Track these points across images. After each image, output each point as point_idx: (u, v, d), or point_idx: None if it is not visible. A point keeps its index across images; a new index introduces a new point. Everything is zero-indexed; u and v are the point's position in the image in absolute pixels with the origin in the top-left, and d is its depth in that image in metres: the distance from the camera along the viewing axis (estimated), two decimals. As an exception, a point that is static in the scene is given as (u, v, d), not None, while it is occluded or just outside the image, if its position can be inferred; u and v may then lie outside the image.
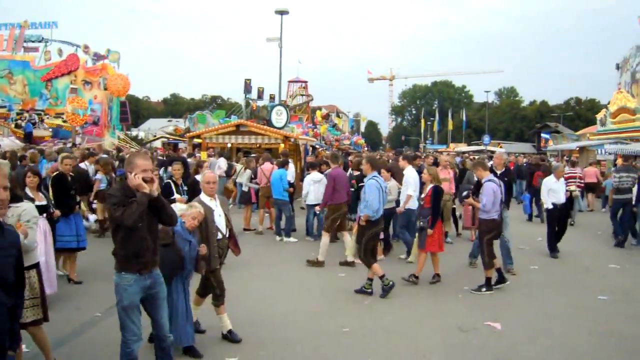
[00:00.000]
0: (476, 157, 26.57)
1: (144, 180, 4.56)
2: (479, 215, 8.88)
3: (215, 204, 6.25)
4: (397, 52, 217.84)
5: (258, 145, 22.33)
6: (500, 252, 9.74)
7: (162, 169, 15.19)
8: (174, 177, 9.81)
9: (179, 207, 9.14)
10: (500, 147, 54.00)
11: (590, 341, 6.62)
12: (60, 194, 8.66)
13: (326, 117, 43.49)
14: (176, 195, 9.41)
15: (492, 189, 8.62)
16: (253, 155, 19.40)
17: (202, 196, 6.26)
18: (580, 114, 79.86)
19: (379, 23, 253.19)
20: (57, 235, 8.18)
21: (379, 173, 8.96)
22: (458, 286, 8.89)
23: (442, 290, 8.74)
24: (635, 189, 12.97)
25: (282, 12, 31.57)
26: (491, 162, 11.15)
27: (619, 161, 18.42)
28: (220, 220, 6.24)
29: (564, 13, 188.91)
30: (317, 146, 32.60)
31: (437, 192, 9.09)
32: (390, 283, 8.25)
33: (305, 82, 52.54)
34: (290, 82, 52.58)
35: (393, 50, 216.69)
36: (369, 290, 8.37)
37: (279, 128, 23.58)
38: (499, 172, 10.01)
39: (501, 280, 8.85)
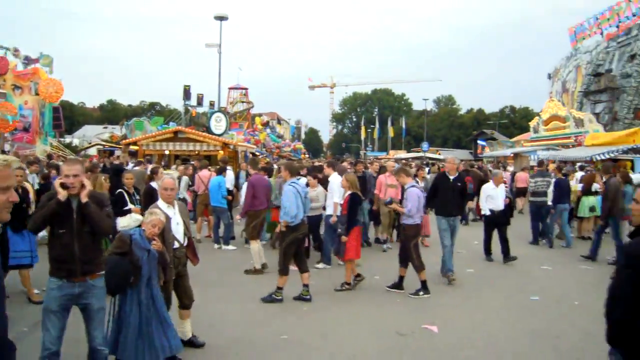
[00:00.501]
0: (414, 163, 26.96)
1: (64, 185, 4.41)
2: (403, 221, 8.95)
3: (173, 211, 6.04)
4: (338, 60, 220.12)
5: (197, 152, 22.01)
6: (444, 257, 9.87)
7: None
8: (126, 187, 9.49)
9: (135, 218, 8.90)
10: (439, 153, 55.14)
11: (525, 341, 6.75)
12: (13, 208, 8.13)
13: (266, 124, 43.36)
14: (130, 206, 9.16)
15: (416, 194, 8.76)
16: (191, 162, 19.08)
17: (160, 203, 6.03)
18: (515, 121, 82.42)
19: (322, 31, 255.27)
20: (12, 252, 7.75)
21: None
22: (397, 291, 8.93)
23: (381, 296, 8.77)
24: (550, 192, 13.87)
25: (221, 18, 31.29)
26: (444, 167, 11.19)
27: (551, 167, 19.08)
28: (177, 229, 6.04)
29: (500, 24, 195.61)
30: (258, 153, 32.43)
31: (354, 199, 9.06)
32: (280, 297, 8.25)
33: (246, 89, 52.28)
34: (230, 88, 52.24)
35: (335, 58, 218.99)
36: (307, 297, 8.35)
37: (218, 135, 23.33)
38: (452, 178, 9.95)
39: (397, 286, 8.97)
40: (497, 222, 11.84)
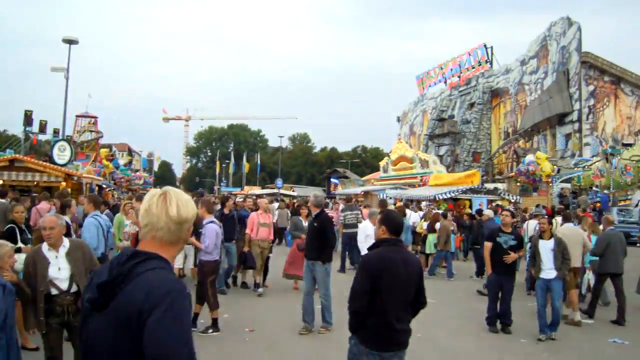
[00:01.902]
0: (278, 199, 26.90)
1: None
2: (201, 257, 8.69)
3: (55, 255, 5.21)
4: (195, 93, 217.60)
5: (36, 183, 20.26)
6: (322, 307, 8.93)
7: None
8: (17, 221, 8.18)
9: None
10: (293, 190, 55.77)
11: None
12: None
13: (111, 158, 40.97)
14: (20, 244, 7.72)
15: (214, 230, 8.58)
16: (35, 194, 17.46)
17: (44, 245, 5.24)
18: (366, 161, 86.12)
19: (179, 63, 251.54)
20: None
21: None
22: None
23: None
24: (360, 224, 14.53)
25: (70, 42, 29.51)
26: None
27: (398, 205, 19.84)
28: (59, 274, 5.17)
29: (354, 67, 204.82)
30: (105, 185, 30.72)
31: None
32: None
33: (95, 117, 49.78)
34: (78, 116, 49.39)
35: (191, 91, 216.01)
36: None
37: (61, 165, 21.76)
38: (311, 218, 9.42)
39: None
40: None
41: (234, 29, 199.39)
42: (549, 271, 8.73)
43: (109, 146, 50.14)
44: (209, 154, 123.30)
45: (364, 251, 10.95)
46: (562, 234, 9.71)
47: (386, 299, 4.14)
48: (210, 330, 8.38)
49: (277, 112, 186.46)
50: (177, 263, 11.40)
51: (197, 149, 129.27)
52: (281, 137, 78.80)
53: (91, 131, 47.95)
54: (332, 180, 61.75)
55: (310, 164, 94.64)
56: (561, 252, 8.77)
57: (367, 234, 10.97)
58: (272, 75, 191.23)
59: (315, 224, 8.98)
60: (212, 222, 8.82)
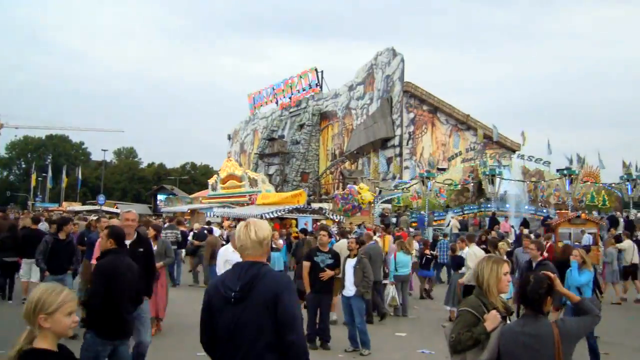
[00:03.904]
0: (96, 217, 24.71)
1: None
2: None
3: None
4: (9, 99, 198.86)
5: None
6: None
7: None
8: None
9: None
10: (116, 207, 52.56)
11: None
12: None
13: None
14: None
15: None
16: None
17: None
18: (196, 178, 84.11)
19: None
20: None
21: None
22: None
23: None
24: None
25: None
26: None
27: (225, 224, 19.08)
28: None
29: (185, 82, 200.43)
30: None
31: None
32: None
33: None
34: None
35: (3, 97, 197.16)
36: None
37: None
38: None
39: None
40: None
41: (55, 31, 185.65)
42: (350, 288, 9.07)
43: None
44: (24, 166, 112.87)
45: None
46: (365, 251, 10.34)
47: (115, 295, 5.26)
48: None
49: (101, 124, 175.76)
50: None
51: (9, 160, 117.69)
52: (105, 150, 74.25)
53: None
54: (158, 197, 59.40)
55: (136, 180, 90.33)
56: (362, 270, 9.06)
57: (226, 259, 9.12)
58: (97, 85, 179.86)
59: (140, 249, 7.03)
60: None
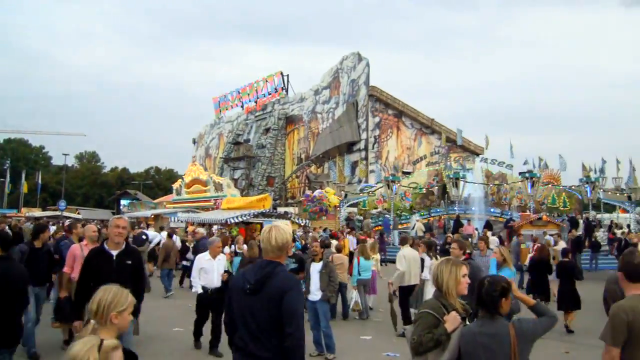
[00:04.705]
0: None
1: None
2: None
3: None
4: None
5: None
6: None
7: None
8: None
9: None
10: (78, 213, 51.63)
11: None
12: None
13: None
14: None
15: None
16: None
17: None
18: (160, 182, 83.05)
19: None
20: None
21: None
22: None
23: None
24: None
25: None
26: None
27: (190, 229, 18.86)
28: None
29: (150, 86, 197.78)
30: None
31: None
32: None
33: None
34: None
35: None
36: None
37: None
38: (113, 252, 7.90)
39: None
40: (211, 303, 9.16)
41: (13, 32, 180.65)
42: (315, 293, 9.04)
43: None
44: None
45: (197, 288, 9.30)
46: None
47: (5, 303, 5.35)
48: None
49: (62, 127, 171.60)
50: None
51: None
52: (66, 155, 72.80)
53: None
54: (122, 202, 58.53)
55: (98, 185, 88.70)
56: (328, 275, 9.10)
57: (201, 267, 9.26)
58: (58, 87, 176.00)
59: (129, 262, 6.40)
60: None
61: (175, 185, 43.30)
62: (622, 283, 4.02)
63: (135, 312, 5.52)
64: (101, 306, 3.22)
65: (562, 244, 17.61)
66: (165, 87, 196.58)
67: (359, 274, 12.32)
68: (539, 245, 14.39)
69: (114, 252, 6.02)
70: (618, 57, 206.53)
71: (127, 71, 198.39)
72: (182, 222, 27.47)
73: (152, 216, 36.40)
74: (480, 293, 3.76)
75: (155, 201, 51.75)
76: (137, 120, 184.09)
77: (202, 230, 19.34)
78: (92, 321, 3.30)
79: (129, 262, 6.11)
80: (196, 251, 14.24)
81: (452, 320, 3.83)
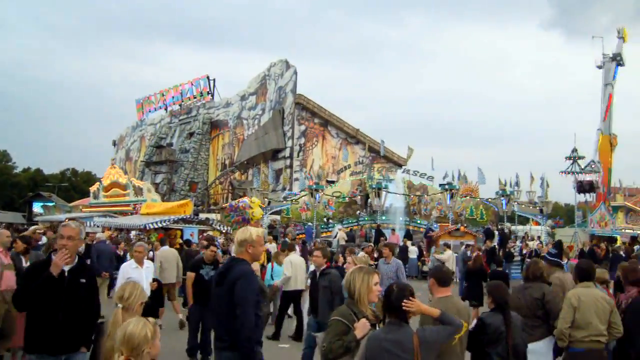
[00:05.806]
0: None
1: None
2: None
3: None
4: None
5: None
6: None
7: None
8: None
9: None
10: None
11: None
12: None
13: None
14: None
15: None
16: None
17: None
18: (77, 185, 79.91)
19: None
20: None
21: None
22: None
23: None
24: None
25: None
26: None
27: (107, 234, 18.19)
28: None
29: (68, 83, 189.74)
30: None
31: None
32: None
33: None
34: None
35: None
36: None
37: None
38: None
39: None
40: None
41: None
42: None
43: None
44: None
45: None
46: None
47: None
48: None
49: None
50: None
51: None
52: (-26, 154, 69.06)
53: None
54: (34, 204, 55.99)
55: (9, 186, 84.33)
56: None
57: (128, 276, 8.35)
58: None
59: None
60: None
61: (92, 189, 41.79)
62: (432, 288, 4.82)
63: (86, 343, 5.01)
64: (132, 296, 4.29)
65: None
66: (85, 86, 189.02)
67: (272, 278, 12.42)
68: (475, 254, 14.93)
69: (66, 268, 4.93)
70: (535, 76, 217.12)
71: (43, 67, 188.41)
72: (98, 226, 26.52)
73: (66, 220, 34.95)
74: (389, 299, 3.85)
75: (71, 204, 49.80)
76: (53, 119, 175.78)
77: (101, 235, 16.58)
78: (119, 305, 4.18)
79: (83, 280, 5.06)
80: (88, 257, 12.66)
81: (361, 327, 3.88)
